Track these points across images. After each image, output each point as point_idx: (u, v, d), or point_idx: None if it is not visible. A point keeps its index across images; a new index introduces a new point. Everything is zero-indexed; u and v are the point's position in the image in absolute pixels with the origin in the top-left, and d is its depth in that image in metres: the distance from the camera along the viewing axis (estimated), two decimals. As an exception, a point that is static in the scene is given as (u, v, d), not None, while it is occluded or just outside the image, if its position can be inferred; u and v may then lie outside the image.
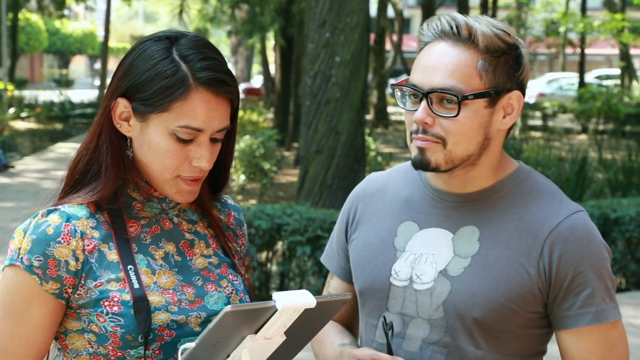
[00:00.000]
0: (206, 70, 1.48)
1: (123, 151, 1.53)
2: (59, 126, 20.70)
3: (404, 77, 1.82)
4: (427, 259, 1.65)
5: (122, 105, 1.52)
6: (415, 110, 1.59)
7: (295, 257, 6.32)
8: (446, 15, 1.62)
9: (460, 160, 1.61)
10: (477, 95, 1.57)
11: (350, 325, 1.86)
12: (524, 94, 1.65)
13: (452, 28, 1.59)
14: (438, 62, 1.58)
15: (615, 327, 1.62)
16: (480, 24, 1.59)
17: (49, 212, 1.51)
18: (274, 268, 6.44)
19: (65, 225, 1.49)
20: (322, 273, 6.23)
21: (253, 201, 10.33)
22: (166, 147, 1.49)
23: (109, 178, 1.52)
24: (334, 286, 1.85)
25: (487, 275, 1.60)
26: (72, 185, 1.55)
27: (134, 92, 1.50)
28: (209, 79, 1.48)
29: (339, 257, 1.82)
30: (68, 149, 17.48)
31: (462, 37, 1.58)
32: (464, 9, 18.98)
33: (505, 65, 1.59)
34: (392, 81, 25.67)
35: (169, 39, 1.51)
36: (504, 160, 1.68)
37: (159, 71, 1.48)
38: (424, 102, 1.58)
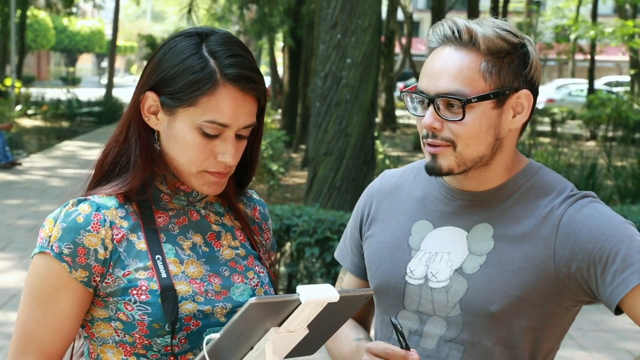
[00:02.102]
0: (234, 67, 1.50)
1: (151, 144, 1.55)
2: (65, 124, 20.74)
3: (412, 81, 1.84)
4: (442, 258, 1.66)
5: (151, 99, 1.54)
6: (425, 115, 1.62)
7: (304, 259, 6.33)
8: (448, 21, 1.64)
9: (473, 161, 1.62)
10: (481, 98, 1.58)
11: (364, 321, 1.87)
12: (535, 92, 1.65)
13: (453, 33, 1.61)
14: (442, 67, 1.60)
15: None
16: (483, 26, 1.60)
17: (79, 201, 1.53)
18: (282, 269, 6.44)
19: (95, 215, 1.51)
20: (331, 275, 6.23)
21: (260, 201, 10.32)
22: (192, 141, 1.51)
23: (137, 170, 1.54)
24: (347, 282, 1.86)
25: (504, 271, 1.61)
26: (101, 177, 1.57)
27: (163, 86, 1.52)
28: (236, 76, 1.49)
29: (352, 254, 1.84)
30: (75, 147, 17.51)
31: (464, 41, 1.60)
32: (473, 12, 18.93)
33: (511, 65, 1.60)
34: (400, 85, 25.70)
35: (200, 35, 1.53)
36: (516, 158, 1.70)
37: (188, 66, 1.49)
38: (431, 108, 1.60)
